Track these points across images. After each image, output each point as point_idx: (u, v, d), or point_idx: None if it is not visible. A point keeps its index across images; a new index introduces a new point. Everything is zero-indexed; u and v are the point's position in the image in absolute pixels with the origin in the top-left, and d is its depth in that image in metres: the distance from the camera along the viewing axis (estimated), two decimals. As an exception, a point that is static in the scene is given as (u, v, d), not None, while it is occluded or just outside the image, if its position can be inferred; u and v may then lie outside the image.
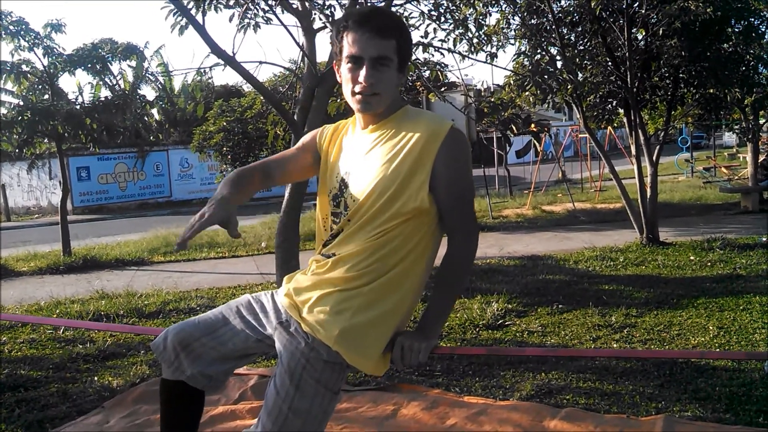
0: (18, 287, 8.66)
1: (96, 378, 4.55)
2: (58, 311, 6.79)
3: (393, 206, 1.94)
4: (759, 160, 13.27)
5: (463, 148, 2.01)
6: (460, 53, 7.49)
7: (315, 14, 6.16)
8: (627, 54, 8.32)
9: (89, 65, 10.65)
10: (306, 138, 2.28)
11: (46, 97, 10.69)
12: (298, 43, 5.76)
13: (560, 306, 5.93)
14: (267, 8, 6.39)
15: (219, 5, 6.05)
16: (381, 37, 1.93)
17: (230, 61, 5.05)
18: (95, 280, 8.77)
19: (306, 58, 5.62)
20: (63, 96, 11.37)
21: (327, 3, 6.37)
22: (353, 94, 1.99)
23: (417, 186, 1.94)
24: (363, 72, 1.94)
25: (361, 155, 2.04)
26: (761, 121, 14.02)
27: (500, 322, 5.54)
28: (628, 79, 8.44)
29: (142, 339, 5.39)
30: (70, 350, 5.25)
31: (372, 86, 1.95)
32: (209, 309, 2.40)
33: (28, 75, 10.53)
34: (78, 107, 10.72)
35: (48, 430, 3.71)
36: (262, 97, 9.77)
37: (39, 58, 10.25)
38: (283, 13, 6.31)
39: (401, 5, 6.97)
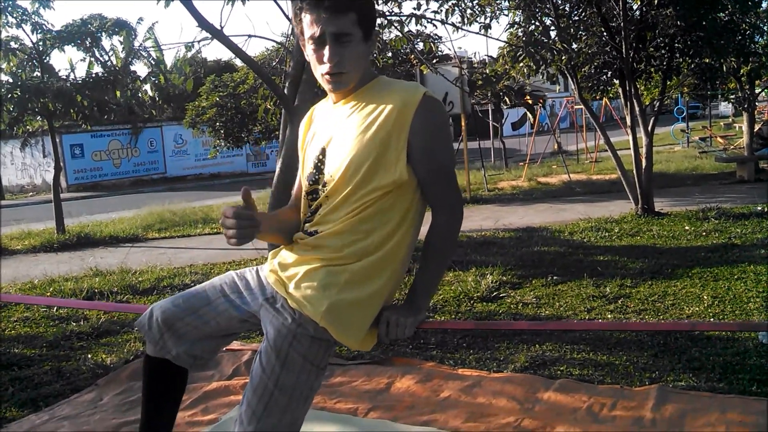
0: (12, 265, 8.64)
1: (90, 355, 4.53)
2: (51, 289, 6.77)
3: (371, 180, 1.89)
4: (755, 130, 13.22)
5: (439, 116, 1.94)
6: (453, 24, 7.40)
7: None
8: (622, 24, 8.23)
9: (79, 41, 10.54)
10: (298, 144, 2.22)
11: (36, 74, 10.57)
12: (287, 16, 5.67)
13: (555, 277, 5.93)
14: (256, -20, 6.27)
15: (207, -23, 5.94)
16: (339, 13, 1.86)
17: (218, 34, 4.96)
18: (89, 258, 8.75)
19: (296, 30, 5.54)
20: (53, 73, 11.22)
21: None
22: (322, 75, 1.94)
23: (393, 158, 1.89)
24: (326, 51, 1.88)
25: (335, 131, 1.99)
26: (757, 91, 13.95)
27: (495, 294, 5.54)
28: (624, 50, 8.36)
29: (136, 316, 5.37)
30: (63, 328, 5.23)
31: (338, 65, 1.89)
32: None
33: (17, 52, 10.40)
34: (68, 84, 10.62)
35: (42, 408, 3.70)
36: (254, 72, 9.68)
37: (27, 35, 10.15)
38: (272, -16, 6.21)
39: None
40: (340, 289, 1.89)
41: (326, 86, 1.97)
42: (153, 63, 25.83)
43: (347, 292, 1.90)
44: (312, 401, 1.98)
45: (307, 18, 1.90)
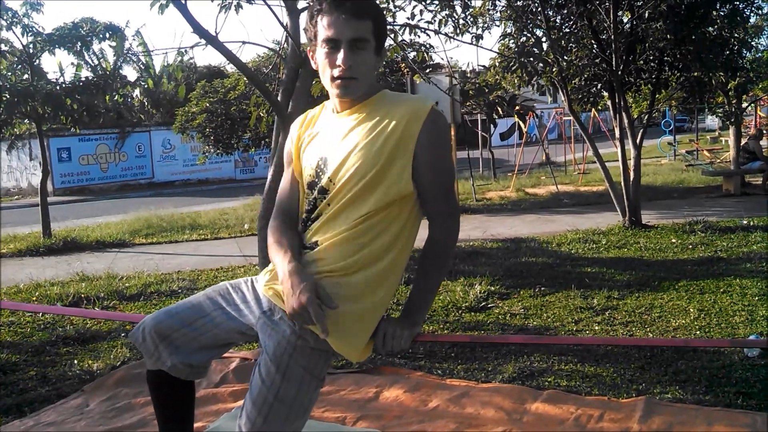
0: (-3, 269, 8.56)
1: (76, 361, 4.51)
2: (37, 294, 6.72)
3: (375, 191, 1.89)
4: (741, 144, 13.36)
5: (444, 131, 1.97)
6: (446, 35, 7.43)
7: (298, -7, 6.07)
8: (612, 37, 8.31)
9: (69, 45, 10.49)
10: (286, 148, 2.17)
11: (26, 77, 10.50)
12: (281, 23, 5.68)
13: (543, 288, 5.95)
14: (250, -13, 6.27)
15: (200, -16, 5.94)
16: (357, 18, 1.88)
17: (212, 40, 4.96)
18: (75, 262, 8.69)
19: (290, 38, 5.54)
20: (43, 76, 11.15)
21: (310, -18, 6.26)
22: (332, 79, 1.92)
23: (399, 170, 1.90)
24: (341, 55, 1.88)
25: (338, 140, 1.98)
26: (744, 105, 14.09)
27: (483, 304, 5.55)
28: (614, 62, 8.43)
29: (122, 322, 5.34)
30: (49, 333, 5.19)
31: (350, 69, 1.89)
32: (191, 292, 2.36)
33: (7, 54, 10.34)
34: (58, 88, 10.56)
35: (27, 414, 3.67)
36: (245, 78, 9.67)
37: (18, 38, 10.08)
38: (266, -8, 6.21)
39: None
40: (341, 302, 1.88)
41: (334, 91, 1.95)
42: (142, 68, 25.70)
43: (349, 304, 1.90)
44: (311, 412, 1.98)
45: (324, 20, 1.90)
